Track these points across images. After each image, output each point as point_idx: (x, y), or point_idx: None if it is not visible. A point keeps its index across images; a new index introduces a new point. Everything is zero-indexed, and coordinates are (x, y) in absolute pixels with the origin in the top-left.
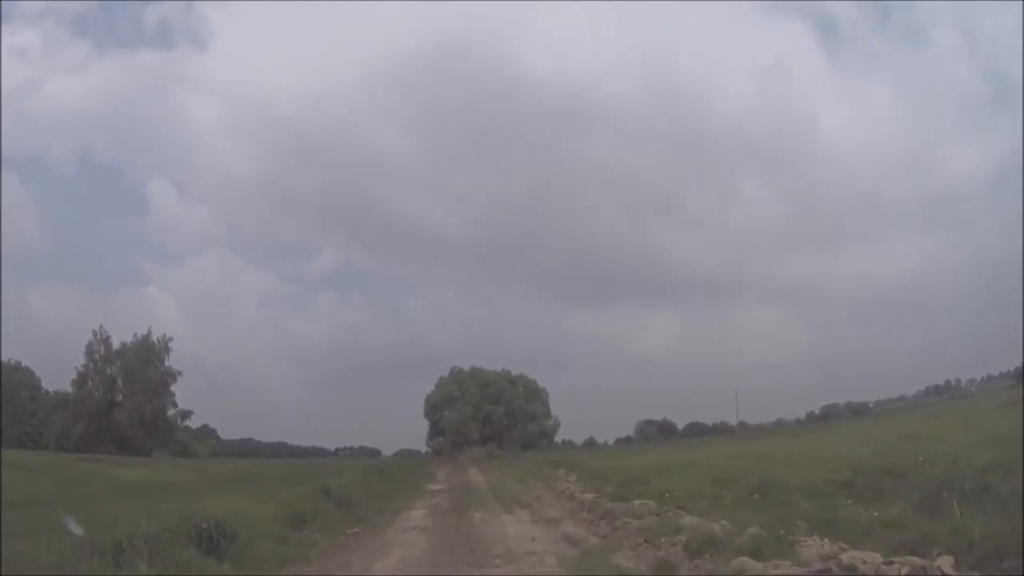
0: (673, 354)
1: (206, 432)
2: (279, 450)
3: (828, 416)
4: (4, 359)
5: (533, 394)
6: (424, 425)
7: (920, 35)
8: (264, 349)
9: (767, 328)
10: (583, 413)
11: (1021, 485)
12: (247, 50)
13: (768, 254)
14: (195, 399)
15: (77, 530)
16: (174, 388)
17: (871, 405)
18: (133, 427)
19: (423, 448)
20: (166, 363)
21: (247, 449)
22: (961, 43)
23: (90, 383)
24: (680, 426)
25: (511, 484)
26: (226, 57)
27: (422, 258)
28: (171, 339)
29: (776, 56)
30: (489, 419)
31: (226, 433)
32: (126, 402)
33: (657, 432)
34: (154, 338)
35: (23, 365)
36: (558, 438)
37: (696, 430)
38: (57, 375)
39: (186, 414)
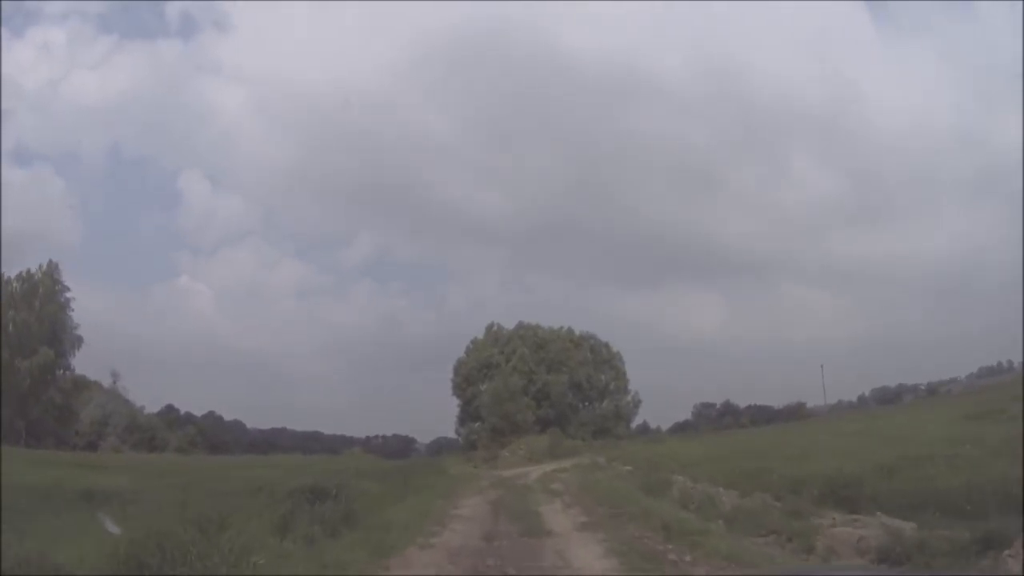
0: (722, 336)
1: (211, 420)
2: (310, 439)
3: (896, 398)
4: None
5: (603, 360)
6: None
7: (967, 4)
8: (301, 339)
9: (818, 308)
10: None
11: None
12: (278, 37)
13: (820, 232)
14: (232, 389)
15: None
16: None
17: (923, 387)
18: None
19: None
20: (63, 307)
21: (274, 439)
22: (1008, 12)
23: None
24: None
25: None
26: (255, 45)
27: (463, 244)
28: (57, 265)
29: (824, 28)
30: (546, 394)
31: (261, 423)
32: None
33: (719, 416)
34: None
35: None
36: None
37: (762, 413)
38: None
39: (81, 384)
